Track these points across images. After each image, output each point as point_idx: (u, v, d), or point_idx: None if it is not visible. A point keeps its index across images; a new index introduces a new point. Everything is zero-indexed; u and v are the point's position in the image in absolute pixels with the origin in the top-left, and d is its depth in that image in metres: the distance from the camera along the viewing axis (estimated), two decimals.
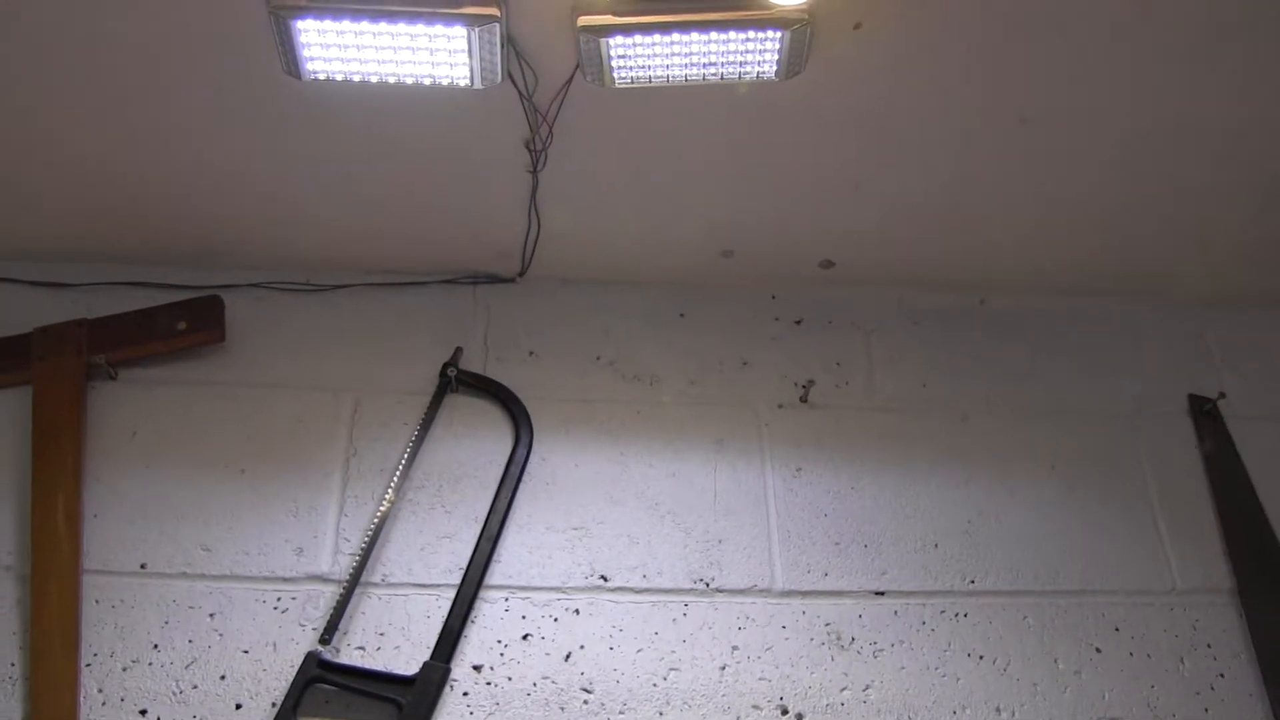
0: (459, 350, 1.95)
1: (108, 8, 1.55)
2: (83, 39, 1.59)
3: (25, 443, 1.79)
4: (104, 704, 1.61)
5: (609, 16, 1.52)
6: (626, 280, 2.10)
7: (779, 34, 1.54)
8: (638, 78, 1.60)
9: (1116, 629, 1.83)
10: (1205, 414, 2.09)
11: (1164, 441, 2.06)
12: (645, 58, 1.57)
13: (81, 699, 1.61)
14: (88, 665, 1.63)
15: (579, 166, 1.81)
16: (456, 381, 1.92)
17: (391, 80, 1.61)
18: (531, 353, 2.01)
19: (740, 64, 1.59)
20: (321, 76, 1.60)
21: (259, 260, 2.02)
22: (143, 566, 1.72)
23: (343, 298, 2.02)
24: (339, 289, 2.03)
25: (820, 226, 2.00)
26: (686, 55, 1.57)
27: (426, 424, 1.87)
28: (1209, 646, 1.84)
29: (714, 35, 1.54)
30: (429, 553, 1.77)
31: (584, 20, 1.53)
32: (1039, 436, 2.03)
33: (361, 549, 1.74)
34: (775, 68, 1.60)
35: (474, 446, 1.88)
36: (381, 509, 1.78)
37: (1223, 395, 2.10)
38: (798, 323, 2.12)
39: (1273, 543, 1.94)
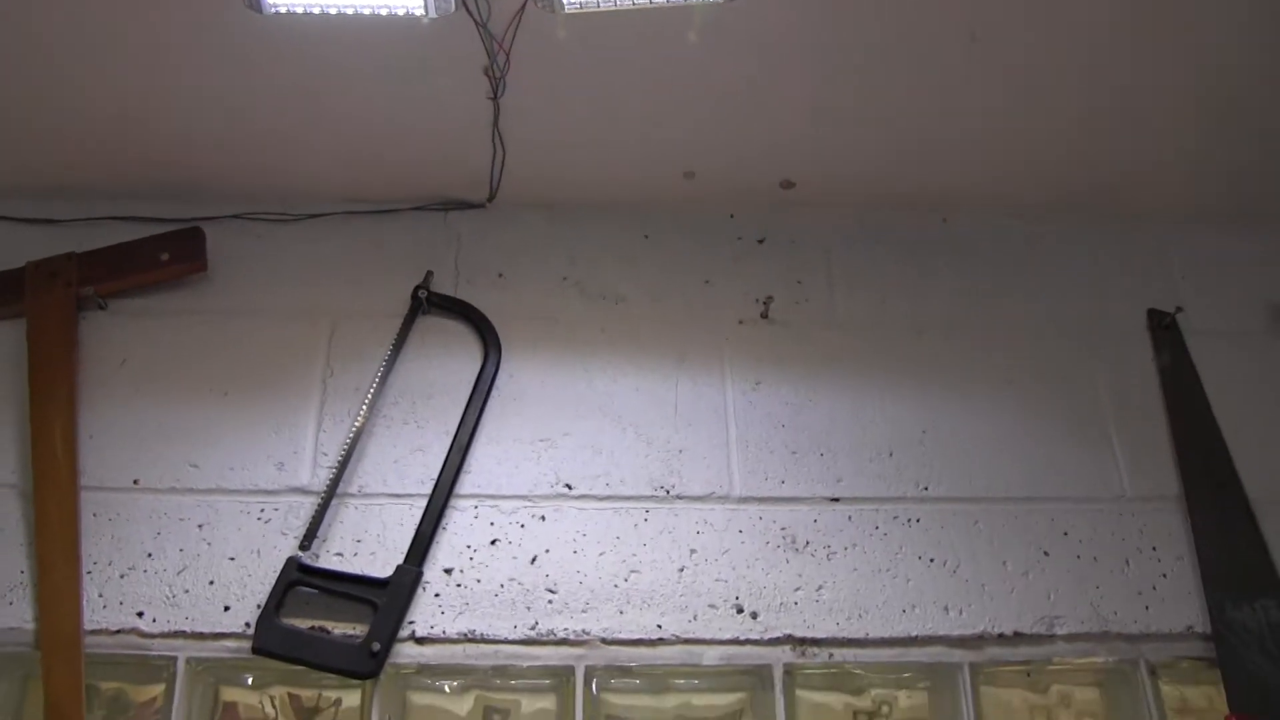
0: (430, 274, 2.02)
1: None
2: None
3: (22, 371, 1.88)
4: (104, 607, 1.72)
5: None
6: (592, 204, 2.14)
7: None
8: (586, 3, 1.65)
9: (1065, 533, 1.91)
10: (1163, 329, 2.14)
11: (1121, 355, 2.11)
12: None
13: (84, 603, 1.72)
14: (88, 573, 1.74)
15: (538, 92, 1.86)
16: (428, 303, 1.99)
17: (349, 11, 1.66)
18: (500, 275, 2.07)
19: None
20: (282, 10, 1.66)
21: (238, 192, 2.08)
22: (135, 482, 1.82)
23: (318, 226, 2.08)
24: (314, 218, 2.09)
25: (779, 147, 2.04)
26: None
27: (399, 344, 1.95)
28: (1154, 549, 1.90)
29: None
30: (402, 465, 1.86)
31: None
32: (997, 352, 2.08)
33: (339, 462, 1.83)
34: None
35: (445, 365, 1.96)
36: (357, 425, 1.86)
37: (1180, 310, 2.15)
38: (760, 242, 2.16)
39: (1221, 451, 2.00)
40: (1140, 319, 2.16)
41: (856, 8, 1.75)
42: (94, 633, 1.70)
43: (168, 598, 1.74)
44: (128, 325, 1.97)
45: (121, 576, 1.75)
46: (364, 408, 1.88)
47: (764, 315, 2.07)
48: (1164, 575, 1.88)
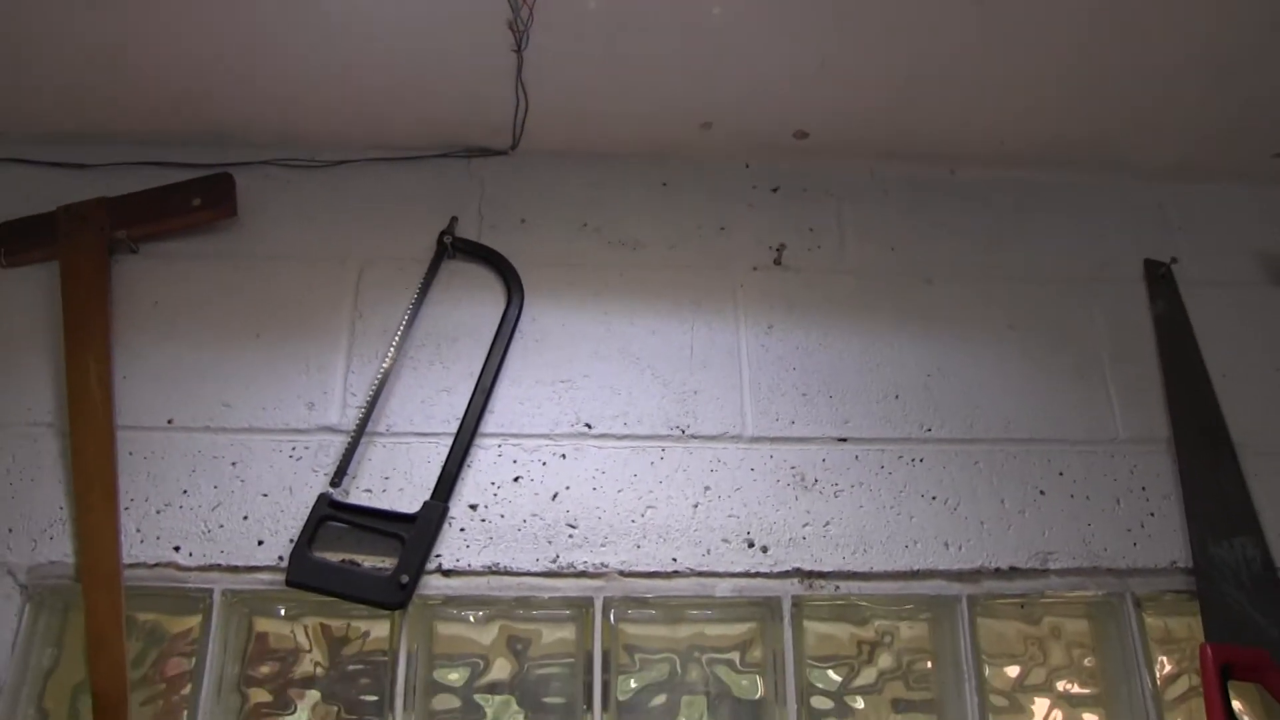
0: (454, 220, 2.08)
1: None
2: None
3: (56, 313, 1.93)
4: (142, 541, 1.80)
5: None
6: (612, 152, 2.19)
7: None
8: None
9: (1061, 474, 1.99)
10: (1159, 278, 2.21)
11: (1118, 303, 2.18)
12: None
13: (122, 538, 1.79)
14: (126, 509, 1.81)
15: (560, 45, 1.90)
16: (453, 249, 2.05)
17: None
18: (523, 220, 2.12)
19: None
20: None
21: (266, 139, 2.12)
22: (170, 422, 1.89)
23: (345, 173, 2.13)
24: (342, 164, 2.13)
25: (793, 99, 2.08)
26: None
27: (425, 288, 2.01)
28: (1143, 489, 1.99)
29: None
30: (428, 405, 1.93)
31: None
32: (999, 299, 2.15)
33: (367, 402, 1.90)
34: None
35: (469, 308, 2.02)
36: (385, 366, 1.93)
37: (1175, 260, 2.22)
38: (774, 190, 2.22)
39: (1209, 396, 2.09)
40: (1137, 268, 2.23)
41: None
42: (132, 566, 1.78)
43: (203, 532, 1.81)
44: (159, 268, 2.02)
45: (158, 512, 1.82)
46: (392, 349, 1.94)
47: (777, 262, 2.13)
48: (1151, 514, 1.97)
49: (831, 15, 1.87)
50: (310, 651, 1.80)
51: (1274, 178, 2.36)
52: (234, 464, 1.86)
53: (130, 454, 1.86)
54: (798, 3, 1.84)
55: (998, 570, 1.91)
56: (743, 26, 1.89)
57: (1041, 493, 1.97)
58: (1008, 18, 1.89)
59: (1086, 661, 1.92)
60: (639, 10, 1.84)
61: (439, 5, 1.82)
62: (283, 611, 1.83)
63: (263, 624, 1.82)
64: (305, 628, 1.82)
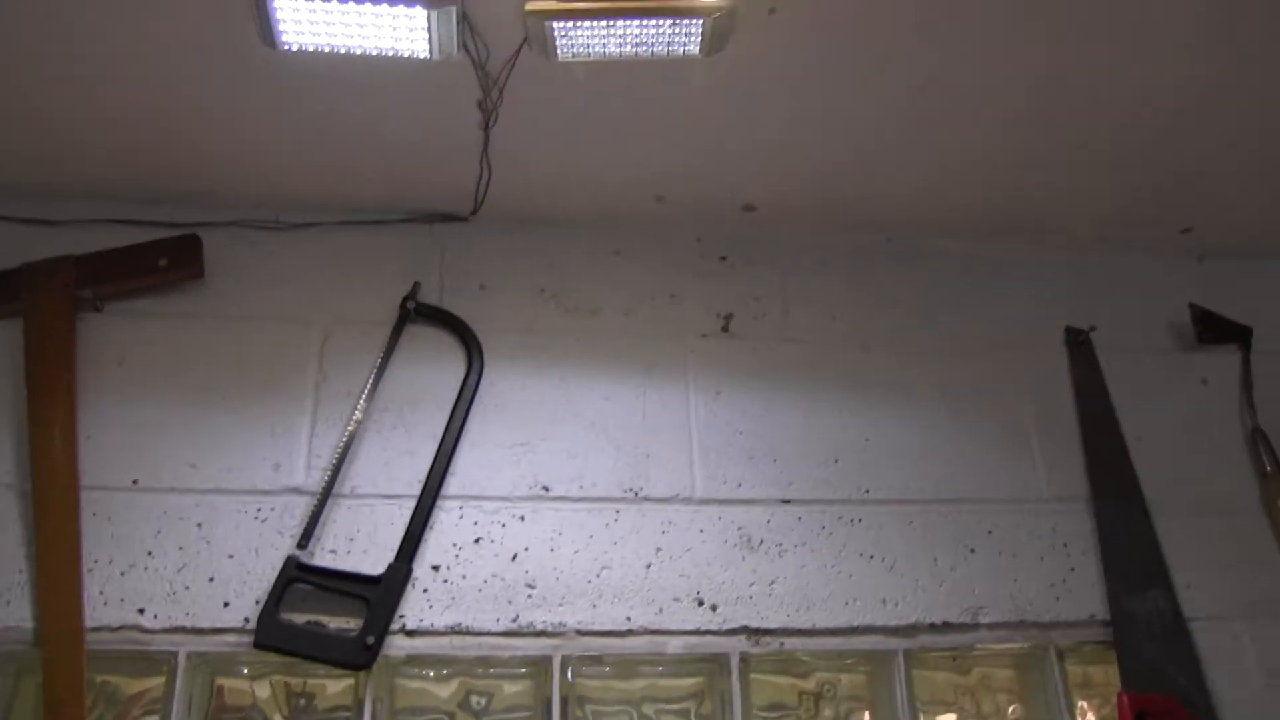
0: (417, 284, 2.14)
1: None
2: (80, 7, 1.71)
3: (19, 371, 1.94)
4: (105, 604, 1.82)
5: (553, 3, 1.71)
6: (569, 220, 2.28)
7: (701, 21, 1.74)
8: (578, 53, 1.79)
9: (989, 532, 2.12)
10: (1079, 345, 2.35)
11: (1042, 368, 2.33)
12: (585, 37, 1.76)
13: (85, 600, 1.80)
14: (89, 571, 1.83)
15: (526, 122, 1.98)
16: (415, 313, 2.11)
17: (358, 52, 1.78)
18: (482, 286, 2.19)
19: (669, 44, 1.78)
20: (294, 48, 1.77)
21: (234, 199, 2.16)
22: (135, 482, 1.92)
23: (311, 235, 2.18)
24: (306, 226, 2.18)
25: (742, 175, 2.19)
26: (622, 36, 1.76)
27: (388, 352, 2.07)
28: (1065, 546, 2.13)
29: (646, 21, 1.74)
30: (392, 467, 1.99)
31: (531, 6, 1.71)
32: (932, 365, 2.27)
33: (332, 464, 1.96)
34: (698, 48, 1.79)
35: (431, 372, 2.09)
36: (349, 429, 1.99)
37: (1094, 328, 2.36)
38: (722, 259, 2.33)
39: (1124, 456, 2.23)
40: (1059, 335, 2.37)
41: (814, 59, 1.89)
42: (95, 630, 1.80)
43: (169, 594, 1.84)
44: (124, 327, 2.04)
45: (122, 574, 1.85)
46: (357, 412, 2.00)
47: (725, 329, 2.23)
48: (1073, 569, 2.11)
49: (780, 96, 1.97)
50: (273, 709, 1.84)
51: (1182, 252, 2.53)
52: (200, 525, 1.90)
53: (94, 515, 1.88)
54: (747, 85, 1.94)
55: (932, 625, 2.02)
56: (695, 107, 1.98)
57: (972, 550, 2.09)
58: (942, 104, 2.01)
59: (1013, 709, 2.04)
60: (598, 90, 1.93)
61: (412, 84, 1.89)
62: (245, 670, 1.86)
63: (225, 682, 1.86)
64: (269, 684, 1.86)
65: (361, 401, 2.02)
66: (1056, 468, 2.21)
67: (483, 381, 2.09)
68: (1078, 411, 2.29)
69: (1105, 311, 2.41)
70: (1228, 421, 2.34)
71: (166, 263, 2.07)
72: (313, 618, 1.85)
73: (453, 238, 2.24)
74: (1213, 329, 2.41)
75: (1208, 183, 2.30)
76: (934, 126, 2.07)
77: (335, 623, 1.85)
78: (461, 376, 2.08)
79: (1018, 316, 2.37)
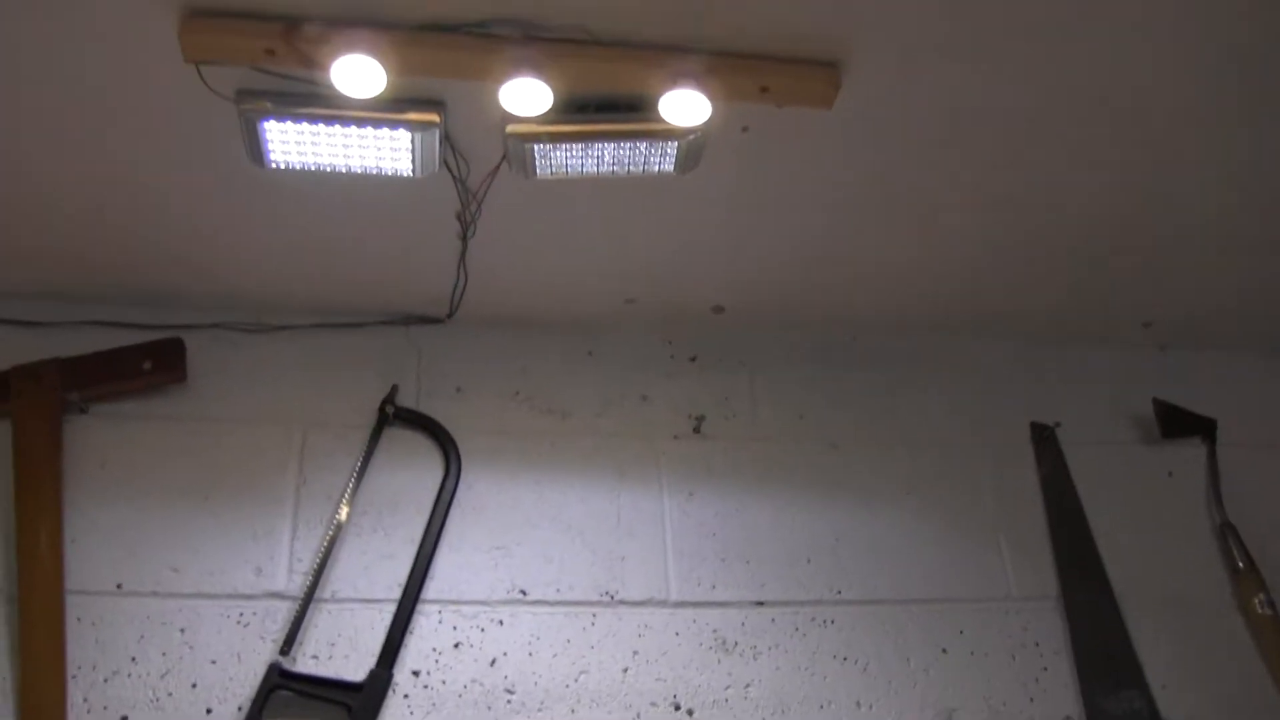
0: (395, 388, 2.18)
1: (89, 81, 1.71)
2: (66, 98, 1.74)
3: (6, 474, 1.96)
4: (89, 712, 1.82)
5: (533, 126, 1.77)
6: (542, 322, 2.33)
7: (676, 142, 1.80)
8: (556, 171, 1.85)
9: (961, 632, 2.15)
10: (1044, 439, 2.40)
11: (1007, 465, 2.37)
12: (563, 157, 1.82)
13: (69, 707, 1.81)
14: (73, 677, 1.83)
15: (502, 231, 2.04)
16: (393, 416, 2.15)
17: (343, 170, 1.84)
18: (459, 389, 2.23)
19: (644, 163, 1.85)
20: (282, 166, 1.82)
21: (216, 302, 2.20)
22: (119, 586, 1.93)
23: (290, 337, 2.22)
24: (287, 329, 2.22)
25: (711, 278, 2.25)
26: (599, 157, 1.82)
27: (367, 455, 2.11)
28: (1036, 645, 2.16)
29: (622, 143, 1.80)
30: (372, 571, 2.02)
31: (511, 129, 1.77)
32: (899, 462, 2.32)
33: (313, 568, 1.98)
34: (674, 166, 1.86)
35: (410, 475, 2.12)
36: (330, 532, 2.02)
37: (1059, 424, 2.42)
38: (692, 360, 2.38)
39: (1093, 553, 2.27)
40: (1024, 429, 2.42)
41: (783, 171, 1.96)
42: None
43: (152, 701, 1.85)
44: (109, 430, 2.07)
45: (106, 680, 1.85)
46: (337, 515, 2.03)
47: (696, 430, 2.28)
48: (1045, 669, 2.14)
49: (748, 205, 2.04)
50: None
51: (1144, 344, 2.59)
52: (183, 630, 1.91)
53: (79, 619, 1.88)
54: (717, 195, 2.00)
55: None
56: (666, 216, 2.05)
57: (944, 650, 2.13)
58: (900, 206, 2.07)
59: None
60: (577, 204, 2.00)
61: (395, 193, 1.94)
62: None
63: None
64: None
65: (342, 505, 2.05)
66: (1025, 565, 2.25)
67: (460, 484, 2.12)
68: (1045, 508, 2.33)
69: (1069, 405, 2.46)
70: (1195, 515, 2.38)
71: (150, 366, 2.10)
72: None
73: (430, 340, 2.28)
74: (1177, 423, 2.45)
75: (1168, 276, 2.36)
76: (892, 229, 2.13)
77: None
78: (440, 479, 2.11)
79: (982, 412, 2.42)
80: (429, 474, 2.13)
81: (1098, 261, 2.28)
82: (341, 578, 2.01)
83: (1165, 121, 1.90)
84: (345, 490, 2.07)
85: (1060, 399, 2.47)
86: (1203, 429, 2.47)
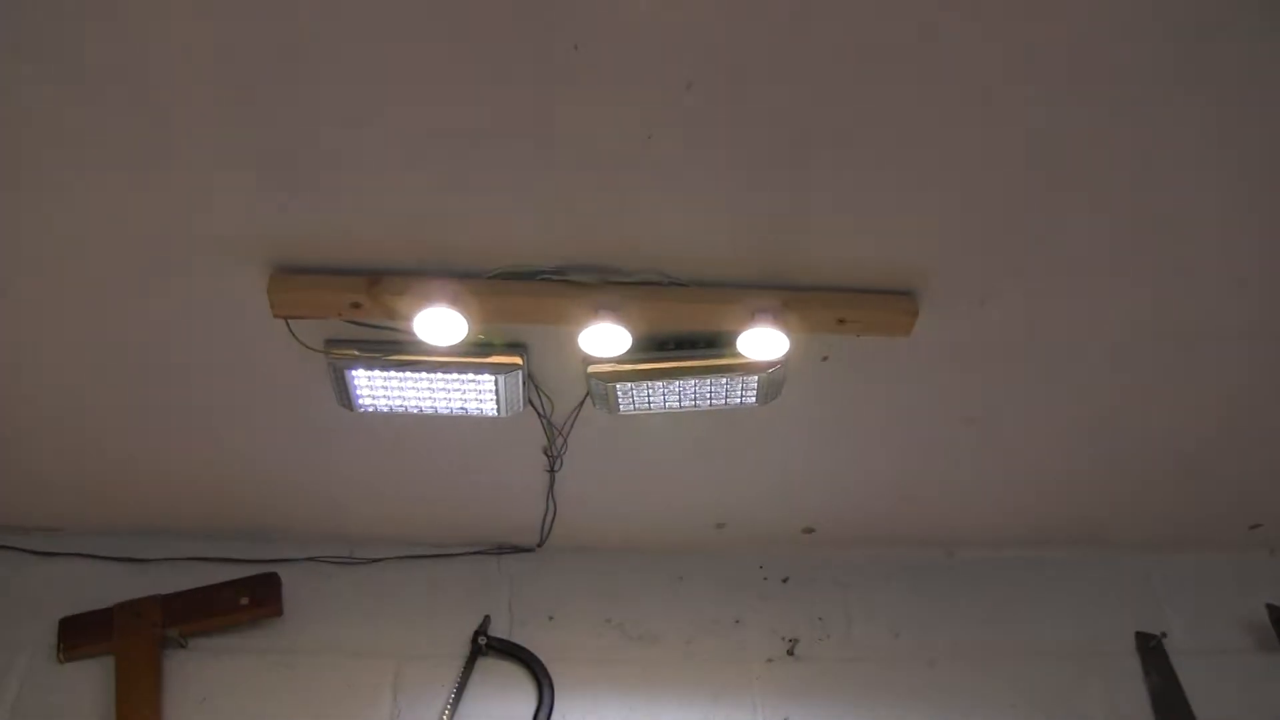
0: (487, 618, 2.20)
1: (196, 359, 1.84)
2: (165, 362, 1.86)
3: (109, 707, 2.01)
4: None
5: (614, 365, 1.81)
6: (632, 549, 2.34)
7: (755, 378, 1.83)
8: (639, 407, 1.89)
9: None
10: (1151, 650, 2.32)
11: (1114, 677, 2.29)
12: (645, 395, 1.86)
13: None
14: None
15: (589, 463, 2.08)
16: (486, 647, 2.17)
17: (429, 412, 1.89)
18: (550, 617, 2.25)
19: (725, 397, 1.88)
20: (370, 410, 1.89)
21: (309, 536, 2.27)
22: None
23: (383, 569, 2.27)
24: (379, 561, 2.28)
25: (801, 502, 2.26)
26: (680, 393, 1.86)
27: (461, 686, 2.12)
28: None
29: (703, 379, 1.83)
30: None
31: (593, 369, 1.82)
32: (1000, 678, 2.25)
33: None
34: (755, 399, 1.89)
35: (503, 706, 2.12)
36: None
37: (1165, 634, 2.34)
38: (784, 581, 2.37)
39: None
40: (1129, 640, 2.35)
41: (867, 398, 1.99)
42: None
43: None
44: (207, 664, 2.11)
45: None
46: None
47: (790, 653, 2.25)
48: None
49: (835, 430, 2.06)
50: None
51: (1252, 546, 2.51)
52: None
53: None
54: (804, 422, 2.03)
55: None
56: (752, 444, 2.08)
57: None
58: (991, 430, 2.08)
59: None
60: (661, 436, 2.03)
61: (481, 431, 2.00)
62: None
63: None
64: None
65: None
66: None
67: (553, 714, 2.11)
68: None
69: (1176, 613, 2.39)
70: None
71: (248, 600, 2.16)
72: None
73: (521, 569, 2.31)
74: None
75: (1273, 478, 2.30)
76: (985, 450, 2.13)
77: None
78: (533, 709, 2.11)
79: (1085, 623, 2.36)
80: (522, 704, 2.13)
81: (1197, 469, 2.25)
82: None
83: (1255, 324, 1.89)
84: None
85: (1166, 607, 2.41)
86: None
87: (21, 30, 1.31)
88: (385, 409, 1.89)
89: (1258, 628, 2.38)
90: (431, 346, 1.73)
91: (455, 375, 1.82)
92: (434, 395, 1.87)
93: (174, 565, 2.22)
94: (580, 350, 1.74)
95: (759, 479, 2.17)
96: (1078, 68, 1.41)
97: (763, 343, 1.72)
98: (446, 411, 1.90)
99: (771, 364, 1.80)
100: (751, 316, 1.71)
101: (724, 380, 1.84)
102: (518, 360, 1.82)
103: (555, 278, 1.69)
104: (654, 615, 2.28)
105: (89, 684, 2.07)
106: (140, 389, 1.91)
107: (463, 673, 2.14)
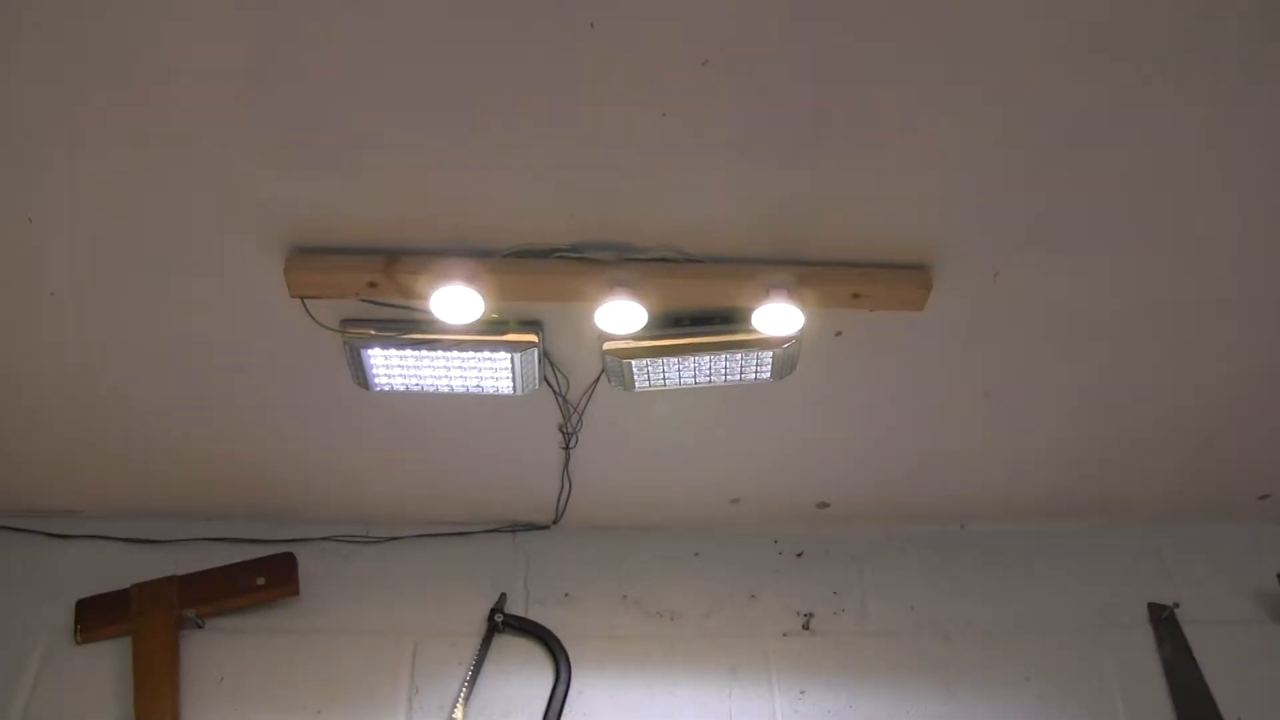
0: (503, 596, 2.21)
1: (213, 340, 1.84)
2: (184, 341, 1.86)
3: (126, 688, 2.03)
4: None
5: (629, 342, 1.81)
6: (648, 525, 2.35)
7: (770, 353, 1.83)
8: (654, 384, 1.89)
9: None
10: (1164, 621, 2.33)
11: (1127, 648, 2.30)
12: (660, 371, 1.86)
13: None
14: None
15: (604, 440, 2.09)
16: (503, 624, 2.17)
17: (445, 391, 1.90)
18: (566, 594, 2.26)
19: (740, 373, 1.88)
20: (386, 389, 1.89)
21: (326, 515, 2.27)
22: None
23: (399, 548, 2.28)
24: (395, 540, 2.28)
25: (815, 477, 2.27)
26: (695, 369, 1.86)
27: (478, 664, 2.13)
28: None
29: (718, 355, 1.83)
30: None
31: (608, 346, 1.82)
32: (1014, 650, 2.27)
33: None
34: (769, 374, 1.89)
35: (520, 683, 2.13)
36: None
37: (1177, 605, 2.35)
38: (799, 556, 2.37)
39: None
40: (1142, 611, 2.36)
41: (882, 372, 1.98)
42: None
43: None
44: (224, 643, 2.13)
45: None
46: None
47: (805, 627, 2.26)
48: None
49: (849, 408, 2.06)
50: None
51: (1262, 517, 2.52)
52: None
53: None
54: (818, 398, 2.03)
55: None
56: (767, 420, 2.08)
57: None
58: (1007, 407, 2.08)
59: None
60: (671, 405, 2.02)
61: (497, 409, 1.99)
62: None
63: None
64: None
65: (455, 714, 2.06)
66: None
67: (571, 689, 2.12)
68: (1169, 691, 2.25)
69: (1188, 584, 2.40)
70: None
71: (264, 581, 2.17)
72: None
73: (537, 546, 2.32)
74: None
75: None
76: (998, 426, 2.14)
77: None
78: (550, 686, 2.12)
79: (1097, 594, 2.37)
80: (540, 680, 2.14)
81: (1207, 441, 2.25)
82: None
83: (1259, 306, 1.90)
84: (458, 699, 2.08)
85: (1178, 578, 2.41)
86: None
87: (41, 11, 1.31)
88: (401, 388, 1.89)
89: (1269, 597, 2.39)
90: (447, 325, 1.73)
91: (471, 354, 1.82)
92: (450, 374, 1.87)
93: (191, 546, 2.23)
94: (595, 327, 1.74)
95: (773, 454, 2.17)
96: (1089, 43, 1.40)
97: (777, 318, 1.72)
98: (462, 390, 1.90)
99: (786, 339, 1.80)
100: (766, 292, 1.71)
101: (739, 356, 1.84)
102: (533, 338, 1.82)
103: (571, 255, 1.69)
104: (670, 591, 2.29)
105: (107, 665, 2.08)
106: (156, 371, 1.91)
107: (480, 651, 2.15)
